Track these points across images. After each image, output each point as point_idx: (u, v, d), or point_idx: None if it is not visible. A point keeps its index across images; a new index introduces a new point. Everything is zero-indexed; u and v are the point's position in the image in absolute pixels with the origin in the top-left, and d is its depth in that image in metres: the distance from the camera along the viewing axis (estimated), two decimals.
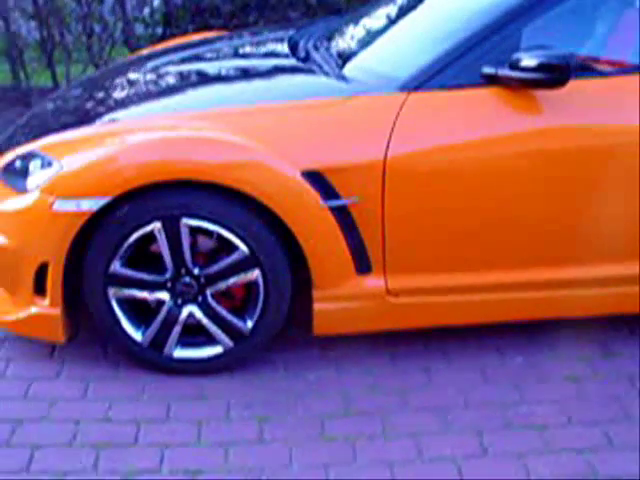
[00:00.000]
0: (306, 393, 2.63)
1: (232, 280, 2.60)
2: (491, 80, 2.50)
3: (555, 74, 2.37)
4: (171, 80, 3.08)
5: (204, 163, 2.47)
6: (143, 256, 2.63)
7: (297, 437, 2.42)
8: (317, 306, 2.63)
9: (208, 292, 2.63)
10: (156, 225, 2.51)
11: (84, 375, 2.71)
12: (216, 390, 2.64)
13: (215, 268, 2.59)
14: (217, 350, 2.69)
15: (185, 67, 3.19)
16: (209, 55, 3.39)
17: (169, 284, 2.62)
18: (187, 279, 2.61)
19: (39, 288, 2.61)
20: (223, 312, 2.64)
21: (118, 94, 3.08)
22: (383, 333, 2.85)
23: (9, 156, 2.77)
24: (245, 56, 3.30)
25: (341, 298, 2.63)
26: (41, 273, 2.58)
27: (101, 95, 3.13)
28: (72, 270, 2.60)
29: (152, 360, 2.70)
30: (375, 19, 3.13)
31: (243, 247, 2.54)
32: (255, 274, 2.58)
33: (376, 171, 2.48)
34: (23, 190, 2.61)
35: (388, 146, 2.48)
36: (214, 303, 2.64)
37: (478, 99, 2.51)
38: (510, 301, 2.68)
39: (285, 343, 2.87)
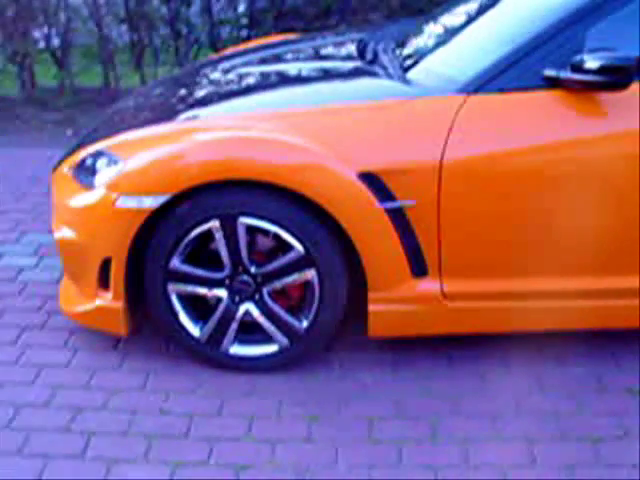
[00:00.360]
0: (358, 394, 2.64)
1: (288, 279, 2.63)
2: (552, 83, 2.44)
3: (617, 76, 2.30)
4: (243, 81, 3.13)
5: (267, 164, 2.49)
6: (204, 254, 2.69)
7: (344, 438, 2.43)
8: (372, 308, 2.64)
9: (265, 290, 2.66)
10: (214, 223, 2.57)
11: (144, 367, 2.79)
12: (269, 387, 2.68)
13: (271, 267, 2.62)
14: (273, 348, 2.73)
15: (255, 68, 3.24)
16: (281, 57, 3.42)
17: (227, 281, 2.67)
18: (244, 277, 2.65)
19: (103, 282, 2.71)
20: (279, 311, 2.67)
21: (195, 93, 3.16)
22: (442, 337, 2.84)
23: (82, 154, 2.88)
24: (314, 58, 3.32)
25: (396, 301, 2.62)
26: (105, 267, 2.67)
27: (179, 93, 3.20)
28: (135, 265, 2.69)
29: (209, 355, 2.76)
30: (443, 23, 3.11)
31: (299, 247, 2.56)
32: (310, 274, 2.60)
33: (432, 174, 2.46)
34: (91, 187, 2.71)
35: (445, 149, 2.46)
36: (270, 301, 2.67)
37: (538, 102, 2.46)
38: (569, 309, 2.62)
39: (343, 344, 2.88)
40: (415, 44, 3.04)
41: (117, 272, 2.65)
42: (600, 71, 2.32)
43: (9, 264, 3.54)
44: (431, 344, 2.86)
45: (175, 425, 2.50)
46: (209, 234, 2.61)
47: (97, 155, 2.79)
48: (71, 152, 2.99)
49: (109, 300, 2.71)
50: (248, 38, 5.53)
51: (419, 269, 2.59)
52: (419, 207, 2.50)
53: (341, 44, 3.41)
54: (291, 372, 2.75)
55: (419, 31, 3.16)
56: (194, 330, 2.73)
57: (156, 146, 2.62)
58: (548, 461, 2.30)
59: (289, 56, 3.42)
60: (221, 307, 2.69)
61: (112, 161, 2.69)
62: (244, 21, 5.53)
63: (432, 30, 3.10)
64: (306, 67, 3.20)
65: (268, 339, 2.72)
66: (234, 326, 2.71)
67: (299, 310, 2.70)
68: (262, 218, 2.55)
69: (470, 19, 3.01)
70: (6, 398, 2.62)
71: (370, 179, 2.49)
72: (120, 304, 2.70)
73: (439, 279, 2.60)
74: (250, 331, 2.74)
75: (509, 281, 2.59)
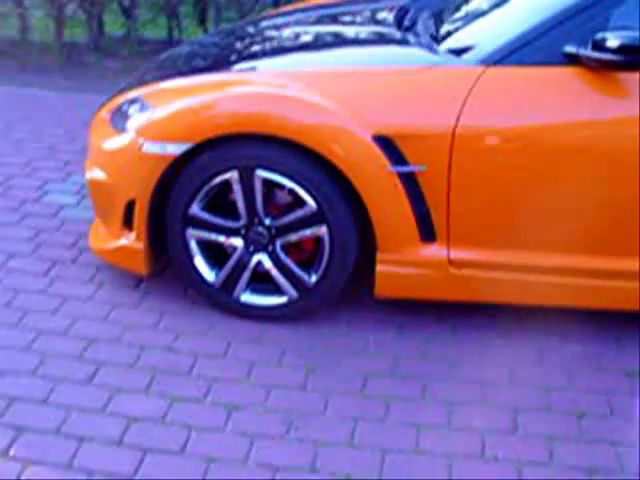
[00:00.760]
0: (360, 351, 2.72)
1: (300, 233, 2.72)
2: (572, 59, 2.44)
3: (634, 57, 2.29)
4: (281, 39, 3.19)
5: (290, 121, 2.56)
6: (223, 203, 2.79)
7: (337, 389, 2.52)
8: (379, 268, 2.70)
9: (278, 243, 2.76)
10: (233, 174, 2.67)
11: (161, 307, 2.93)
12: (276, 336, 2.78)
13: (285, 220, 2.72)
14: (282, 300, 2.82)
15: (296, 28, 3.30)
16: (323, 19, 3.47)
17: (243, 231, 2.77)
18: (259, 228, 2.75)
19: (128, 223, 2.84)
20: (290, 263, 2.77)
21: (239, 47, 3.23)
22: (450, 306, 2.89)
23: (121, 99, 3.01)
24: (354, 23, 3.35)
25: (403, 263, 2.68)
26: (130, 209, 2.81)
27: (226, 46, 3.28)
28: (160, 210, 2.81)
29: (222, 301, 2.87)
30: None
31: (312, 203, 2.64)
32: (322, 230, 2.68)
33: (444, 141, 2.50)
34: (123, 131, 2.83)
35: (459, 117, 2.49)
36: (282, 254, 2.77)
37: (556, 77, 2.46)
38: (573, 287, 2.63)
39: (353, 303, 2.96)
40: (451, 15, 3.05)
41: (140, 214, 2.78)
42: (619, 50, 2.32)
43: (53, 201, 3.72)
44: (438, 311, 2.92)
45: (180, 363, 2.63)
46: (228, 184, 2.71)
47: (132, 101, 2.91)
48: (112, 97, 3.12)
49: (132, 240, 2.85)
50: None
51: (427, 234, 2.65)
52: (430, 173, 2.55)
53: (383, 9, 3.44)
54: (299, 324, 2.85)
55: (459, 3, 3.17)
56: (209, 275, 2.85)
57: (184, 96, 2.72)
58: (529, 430, 2.35)
59: (332, 19, 3.46)
60: (235, 255, 2.80)
61: (144, 108, 2.81)
62: None
63: (468, 2, 3.10)
64: (343, 30, 3.24)
65: (278, 290, 2.82)
66: (247, 275, 2.81)
67: (310, 265, 2.79)
68: (278, 172, 2.63)
69: None
70: (29, 324, 2.79)
71: (384, 142, 2.54)
72: (141, 245, 2.83)
73: (446, 245, 2.65)
74: (262, 281, 2.85)
75: (515, 253, 2.62)
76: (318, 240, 2.74)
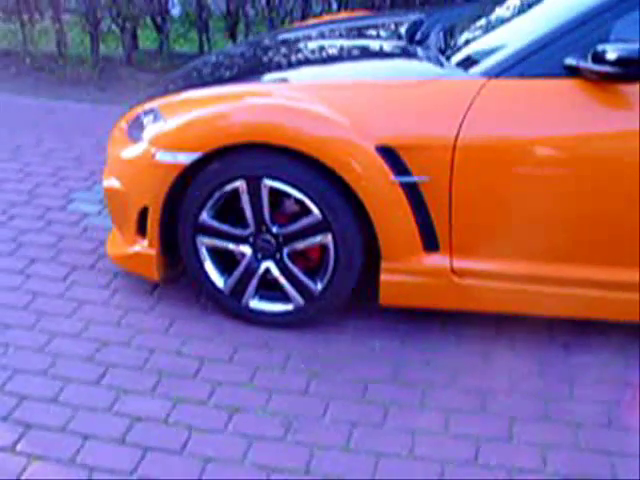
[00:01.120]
0: (362, 358, 2.76)
1: (306, 242, 2.77)
2: (572, 72, 2.47)
3: (630, 69, 2.31)
4: (294, 52, 3.27)
5: (299, 133, 2.62)
6: (232, 211, 2.86)
7: (338, 395, 2.56)
8: (384, 277, 2.75)
9: (285, 251, 2.82)
10: (241, 183, 2.74)
11: (173, 313, 3.00)
12: (282, 342, 2.84)
13: (291, 229, 2.77)
14: (289, 307, 2.88)
15: (309, 43, 3.37)
16: (337, 33, 3.53)
17: (251, 239, 2.84)
18: (267, 236, 2.81)
19: (141, 230, 2.93)
20: (296, 271, 2.82)
21: (254, 59, 3.33)
22: (455, 317, 2.92)
23: (139, 110, 3.10)
24: (366, 36, 3.41)
25: (407, 272, 2.72)
26: (143, 216, 2.90)
27: (244, 58, 3.38)
28: (173, 218, 2.90)
29: (231, 307, 2.94)
30: (490, 12, 3.13)
31: (316, 211, 2.70)
32: (327, 239, 2.73)
33: (446, 152, 2.54)
34: (139, 141, 2.93)
35: (460, 128, 2.53)
36: (289, 261, 2.82)
37: (556, 89, 2.49)
38: (576, 297, 2.64)
39: (361, 311, 3.01)
40: (461, 29, 3.09)
41: (153, 221, 2.86)
42: (617, 62, 2.34)
43: (77, 209, 3.83)
44: (443, 321, 2.95)
45: (186, 366, 2.70)
46: (236, 193, 2.78)
47: (148, 112, 3.00)
48: (133, 108, 3.22)
49: (145, 247, 2.94)
50: (338, 12, 5.65)
51: (431, 244, 2.68)
52: (432, 183, 2.59)
53: (396, 24, 3.49)
54: (306, 330, 2.90)
55: (469, 17, 3.21)
56: (219, 282, 2.92)
57: (196, 107, 2.81)
58: (524, 438, 2.36)
59: (345, 33, 3.53)
60: (244, 262, 2.86)
61: (157, 118, 2.90)
62: None
63: (478, 17, 3.13)
64: (355, 44, 3.29)
65: (285, 297, 2.88)
66: (255, 281, 2.88)
67: (316, 273, 2.84)
68: (284, 182, 2.69)
69: (512, 9, 3.03)
70: (44, 326, 2.89)
71: (387, 152, 2.59)
72: (154, 251, 2.92)
73: (449, 255, 2.69)
74: (271, 288, 2.91)
75: (517, 263, 2.64)
76: (324, 248, 2.80)
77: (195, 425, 2.42)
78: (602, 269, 2.60)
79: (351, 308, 3.01)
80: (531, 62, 2.52)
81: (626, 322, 2.71)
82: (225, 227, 2.84)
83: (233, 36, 5.92)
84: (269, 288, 2.91)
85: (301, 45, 3.35)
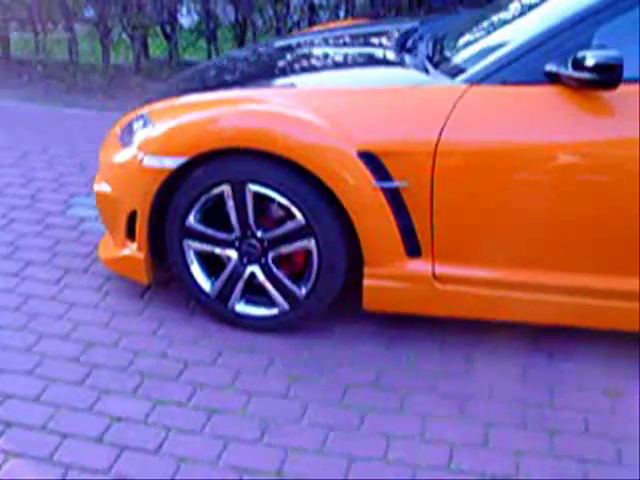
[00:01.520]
0: (346, 362, 2.77)
1: (290, 247, 2.79)
2: (553, 78, 2.48)
3: (607, 75, 2.31)
4: (285, 60, 3.31)
5: (284, 139, 2.64)
6: (219, 216, 2.89)
7: (317, 399, 2.57)
8: (367, 282, 2.76)
9: (270, 255, 2.84)
10: (225, 188, 2.77)
11: (161, 316, 3.03)
12: (266, 346, 2.85)
13: (275, 233, 2.80)
14: (274, 311, 2.90)
15: (300, 50, 3.41)
16: (330, 41, 3.55)
17: (237, 243, 2.86)
18: (252, 240, 2.84)
19: (130, 233, 2.97)
20: (281, 275, 2.84)
21: (247, 66, 3.39)
22: (441, 323, 2.92)
23: (132, 115, 3.15)
24: (358, 44, 3.44)
25: (390, 277, 2.73)
26: (132, 220, 2.93)
27: (235, 65, 3.44)
28: (161, 222, 2.93)
29: (217, 310, 2.97)
30: (481, 20, 3.13)
31: (300, 217, 2.72)
32: (311, 244, 2.75)
33: (426, 157, 2.55)
34: (129, 146, 2.97)
35: (441, 134, 2.54)
36: (274, 266, 2.85)
37: (536, 96, 2.50)
38: (559, 304, 2.64)
39: (347, 316, 3.02)
40: (452, 37, 3.10)
41: (141, 225, 2.90)
42: (596, 69, 2.34)
43: (75, 214, 3.88)
44: (429, 327, 2.95)
45: (170, 368, 2.72)
46: (222, 198, 2.81)
47: (139, 118, 3.05)
48: (127, 114, 3.27)
49: (134, 250, 2.97)
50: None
51: (413, 249, 2.69)
52: (413, 189, 2.60)
53: (389, 32, 3.51)
54: (291, 335, 2.92)
55: (461, 25, 3.22)
56: (206, 285, 2.95)
57: (182, 113, 2.85)
58: (499, 444, 2.36)
59: (338, 41, 3.55)
60: (230, 266, 2.89)
61: (147, 124, 2.94)
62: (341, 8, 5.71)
63: (470, 25, 3.14)
64: (346, 52, 3.33)
65: (271, 302, 2.90)
66: (240, 285, 2.90)
67: (301, 277, 2.86)
68: (268, 186, 2.72)
69: (502, 18, 3.03)
70: (34, 327, 2.93)
71: (369, 158, 2.61)
72: (142, 255, 2.95)
73: (431, 261, 2.69)
74: (257, 292, 2.93)
75: (499, 270, 2.64)
76: (308, 253, 2.81)
77: (173, 426, 2.44)
78: (585, 276, 2.59)
79: (338, 313, 3.03)
80: (512, 69, 2.53)
81: (611, 330, 2.69)
82: (211, 231, 2.87)
83: (241, 45, 5.97)
84: (255, 292, 2.94)
85: (292, 53, 3.39)
